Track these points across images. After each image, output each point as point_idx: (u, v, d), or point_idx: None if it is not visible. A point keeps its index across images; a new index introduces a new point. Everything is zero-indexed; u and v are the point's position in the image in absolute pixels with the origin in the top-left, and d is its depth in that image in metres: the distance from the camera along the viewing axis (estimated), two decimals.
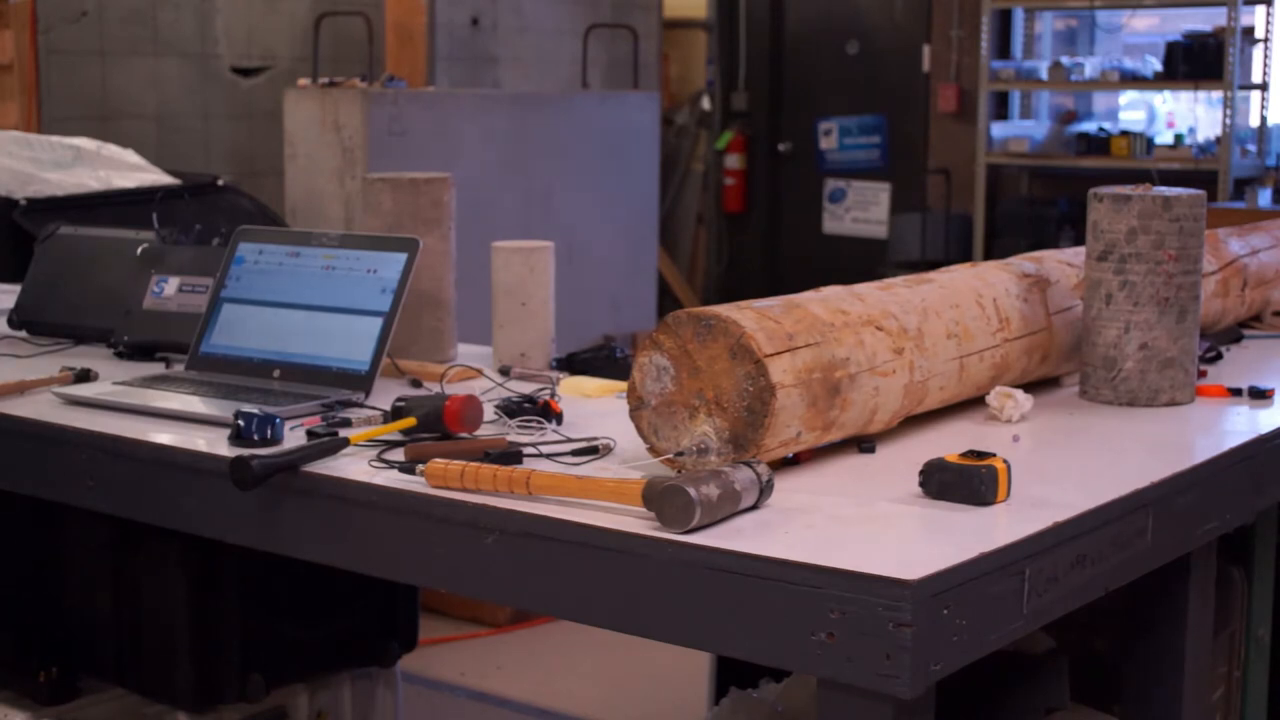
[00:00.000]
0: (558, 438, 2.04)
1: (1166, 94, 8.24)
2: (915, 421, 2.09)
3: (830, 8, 8.84)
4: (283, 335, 2.44)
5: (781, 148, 9.05)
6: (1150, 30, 8.62)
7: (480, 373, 2.49)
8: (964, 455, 1.78)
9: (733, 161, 9.12)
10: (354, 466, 1.93)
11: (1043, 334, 2.30)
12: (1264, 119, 7.67)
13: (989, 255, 7.38)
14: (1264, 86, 7.64)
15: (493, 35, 7.26)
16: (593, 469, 1.89)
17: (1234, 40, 7.28)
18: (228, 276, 2.54)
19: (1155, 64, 7.78)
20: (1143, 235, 2.24)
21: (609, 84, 7.51)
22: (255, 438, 2.03)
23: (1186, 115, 8.12)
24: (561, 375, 2.47)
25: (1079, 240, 2.70)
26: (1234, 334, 2.82)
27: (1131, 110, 8.55)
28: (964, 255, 7.73)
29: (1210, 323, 2.70)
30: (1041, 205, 8.08)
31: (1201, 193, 2.30)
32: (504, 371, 2.53)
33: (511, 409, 2.14)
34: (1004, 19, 8.22)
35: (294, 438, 2.07)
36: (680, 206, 9.37)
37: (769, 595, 1.53)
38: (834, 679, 1.53)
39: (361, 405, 2.26)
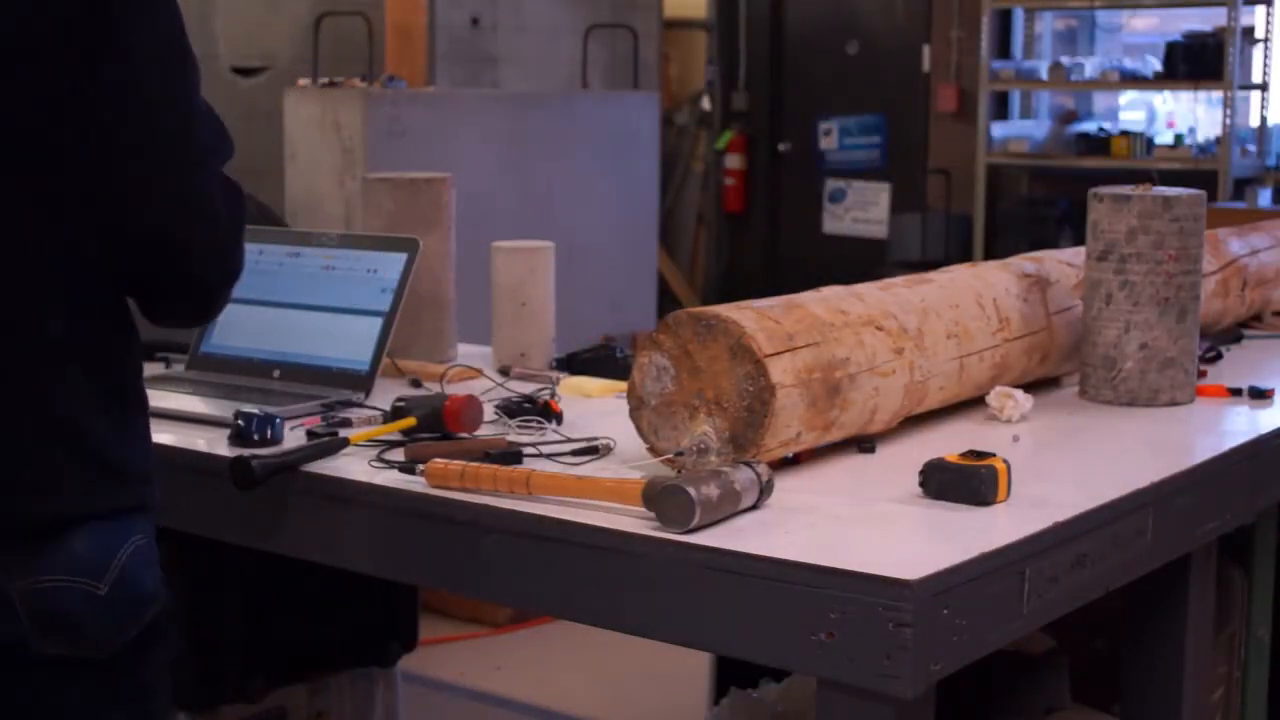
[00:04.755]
0: (558, 438, 2.04)
1: (1166, 94, 8.24)
2: (915, 421, 2.09)
3: (830, 8, 8.84)
4: (283, 335, 2.44)
5: (781, 148, 9.04)
6: (1150, 30, 8.62)
7: (480, 373, 2.49)
8: (964, 455, 1.78)
9: (733, 161, 9.12)
10: (354, 466, 1.93)
11: (1043, 334, 2.30)
12: (1264, 119, 7.67)
13: (989, 255, 7.38)
14: (1264, 86, 7.63)
15: (492, 35, 7.25)
16: (593, 469, 1.89)
17: (1234, 40, 7.28)
18: None
19: (1155, 64, 7.78)
20: (1143, 235, 2.24)
21: (609, 84, 7.50)
22: (255, 438, 2.03)
23: (1186, 115, 8.11)
24: (561, 375, 2.47)
25: (1079, 240, 2.70)
26: (1234, 334, 2.82)
27: (1131, 110, 8.55)
28: (964, 255, 7.72)
29: (1210, 323, 2.70)
30: (1041, 205, 8.07)
31: (1201, 193, 2.30)
32: (504, 371, 2.53)
33: (511, 409, 2.14)
34: (1004, 19, 8.22)
35: (294, 438, 2.07)
36: (680, 206, 9.37)
37: (769, 595, 1.53)
38: (834, 679, 1.53)
39: (361, 405, 2.26)
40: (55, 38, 1.51)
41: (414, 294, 2.44)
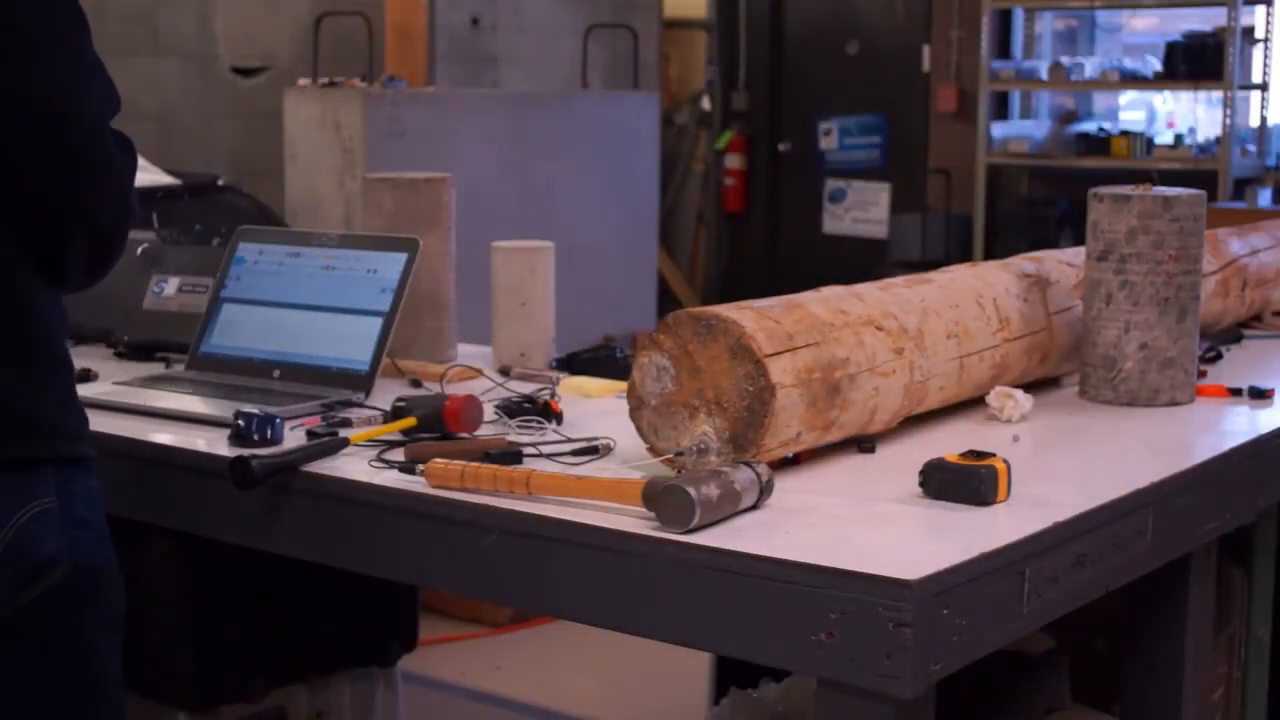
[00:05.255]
0: (558, 438, 2.04)
1: (1166, 94, 8.24)
2: (915, 421, 2.09)
3: (830, 8, 8.84)
4: (283, 335, 2.44)
5: (781, 148, 9.04)
6: (1150, 30, 8.62)
7: (480, 373, 2.49)
8: (964, 455, 1.78)
9: (733, 161, 9.12)
10: (354, 466, 1.93)
11: (1043, 334, 2.30)
12: (1264, 119, 7.67)
13: (989, 255, 7.38)
14: (1264, 86, 7.64)
15: (493, 35, 7.26)
16: (593, 469, 1.89)
17: (1234, 40, 7.28)
18: (228, 276, 2.54)
19: (1155, 64, 7.78)
20: (1143, 235, 2.24)
21: (609, 84, 7.51)
22: (255, 438, 2.03)
23: (1186, 115, 8.12)
24: (561, 375, 2.47)
25: (1079, 240, 2.70)
26: (1234, 334, 2.82)
27: (1131, 110, 8.55)
28: (964, 255, 7.72)
29: (1210, 323, 2.70)
30: (1041, 205, 8.08)
31: (1201, 193, 2.30)
32: (504, 371, 2.53)
33: (511, 409, 2.14)
34: (1004, 19, 8.22)
35: (294, 438, 2.07)
36: (680, 206, 9.37)
37: (769, 595, 1.53)
38: (834, 679, 1.53)
39: (361, 405, 2.26)
40: None
41: (414, 294, 2.44)
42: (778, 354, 1.77)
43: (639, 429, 1.86)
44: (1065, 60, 7.92)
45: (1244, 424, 2.22)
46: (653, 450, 1.85)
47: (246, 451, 1.94)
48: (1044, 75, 7.98)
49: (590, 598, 1.69)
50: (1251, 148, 7.62)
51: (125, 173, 1.71)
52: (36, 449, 1.65)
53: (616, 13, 7.64)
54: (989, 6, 7.83)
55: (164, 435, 2.15)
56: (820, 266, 6.81)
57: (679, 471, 1.79)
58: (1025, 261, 2.41)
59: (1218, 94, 7.48)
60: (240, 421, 2.05)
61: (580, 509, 1.72)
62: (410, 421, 2.05)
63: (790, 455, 1.88)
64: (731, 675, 2.65)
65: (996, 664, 1.83)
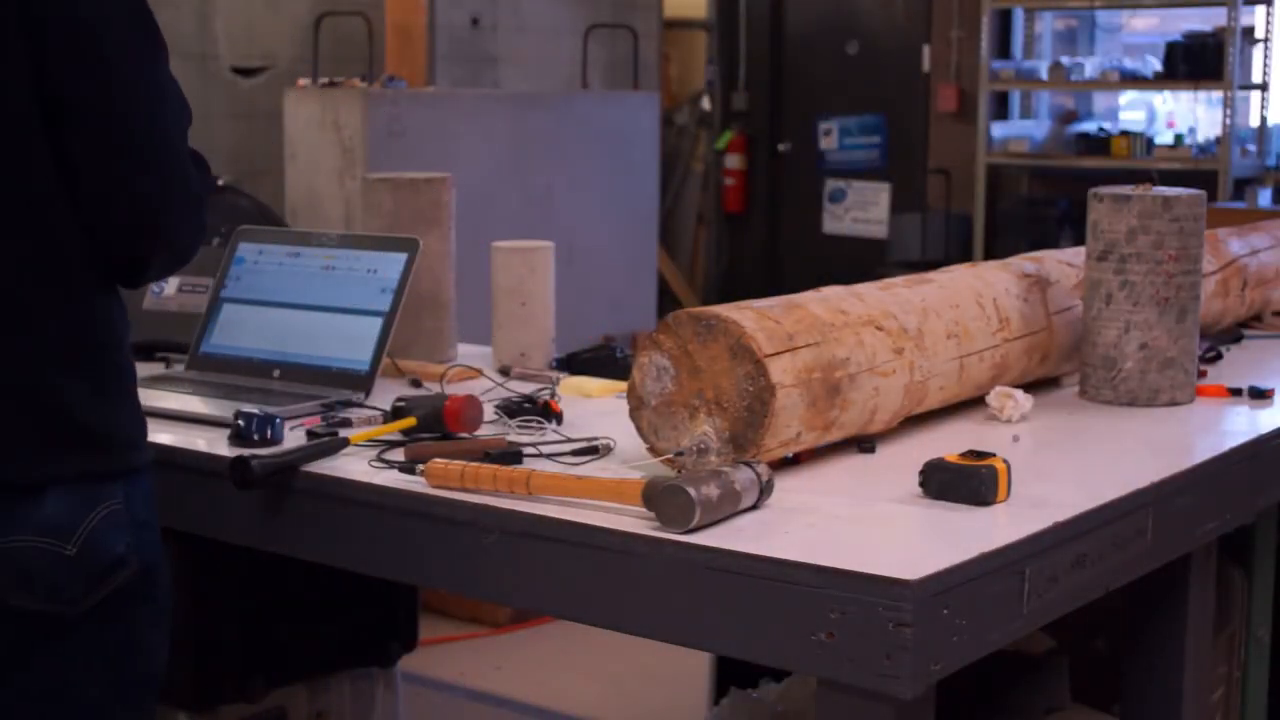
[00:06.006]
0: (558, 438, 2.04)
1: (1166, 94, 8.24)
2: (915, 421, 2.09)
3: (830, 8, 8.84)
4: (283, 335, 2.44)
5: (781, 148, 9.04)
6: (1150, 30, 8.62)
7: (480, 373, 2.49)
8: (964, 455, 1.78)
9: (733, 161, 9.12)
10: (354, 466, 1.93)
11: (1043, 334, 2.30)
12: (1264, 119, 7.67)
13: (989, 255, 7.38)
14: (1264, 86, 7.63)
15: (493, 35, 7.25)
16: (593, 469, 1.89)
17: (1234, 40, 7.28)
18: (228, 276, 2.54)
19: (1155, 64, 7.78)
20: (1143, 235, 2.24)
21: (609, 84, 7.50)
22: (255, 438, 2.03)
23: (1186, 115, 8.11)
24: (561, 375, 2.47)
25: (1079, 240, 2.69)
26: (1234, 334, 2.82)
27: (1131, 110, 8.55)
28: (964, 255, 7.72)
29: (1210, 323, 2.70)
30: (1041, 205, 8.07)
31: (1201, 193, 2.30)
32: (504, 371, 2.53)
33: (511, 409, 2.14)
34: (1004, 19, 8.22)
35: (294, 438, 2.07)
36: (680, 206, 9.36)
37: (769, 595, 1.53)
38: (834, 679, 1.53)
39: (361, 405, 2.26)
40: (6, 24, 1.57)
41: (414, 294, 2.44)
42: (778, 354, 1.77)
43: (639, 429, 1.86)
44: (1065, 60, 7.92)
45: (1244, 424, 2.22)
46: (653, 450, 1.85)
47: (246, 451, 1.94)
48: (1044, 75, 7.98)
49: (590, 598, 1.69)
50: (1251, 148, 7.61)
51: (203, 187, 1.75)
52: (108, 464, 1.71)
53: (616, 13, 7.64)
54: (989, 6, 7.83)
55: (164, 435, 2.15)
56: (820, 266, 6.81)
57: (679, 471, 1.79)
58: (1025, 261, 2.41)
59: (1218, 94, 7.48)
60: (240, 421, 2.05)
61: (580, 509, 1.72)
62: (410, 421, 2.05)
63: (790, 455, 1.88)
64: (731, 675, 2.65)
65: (996, 664, 1.84)
